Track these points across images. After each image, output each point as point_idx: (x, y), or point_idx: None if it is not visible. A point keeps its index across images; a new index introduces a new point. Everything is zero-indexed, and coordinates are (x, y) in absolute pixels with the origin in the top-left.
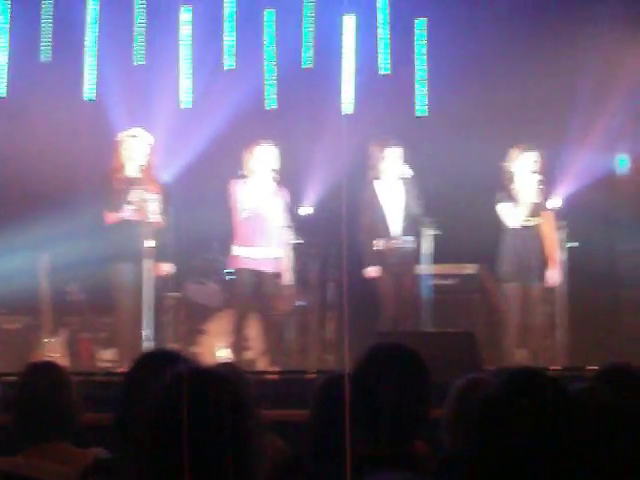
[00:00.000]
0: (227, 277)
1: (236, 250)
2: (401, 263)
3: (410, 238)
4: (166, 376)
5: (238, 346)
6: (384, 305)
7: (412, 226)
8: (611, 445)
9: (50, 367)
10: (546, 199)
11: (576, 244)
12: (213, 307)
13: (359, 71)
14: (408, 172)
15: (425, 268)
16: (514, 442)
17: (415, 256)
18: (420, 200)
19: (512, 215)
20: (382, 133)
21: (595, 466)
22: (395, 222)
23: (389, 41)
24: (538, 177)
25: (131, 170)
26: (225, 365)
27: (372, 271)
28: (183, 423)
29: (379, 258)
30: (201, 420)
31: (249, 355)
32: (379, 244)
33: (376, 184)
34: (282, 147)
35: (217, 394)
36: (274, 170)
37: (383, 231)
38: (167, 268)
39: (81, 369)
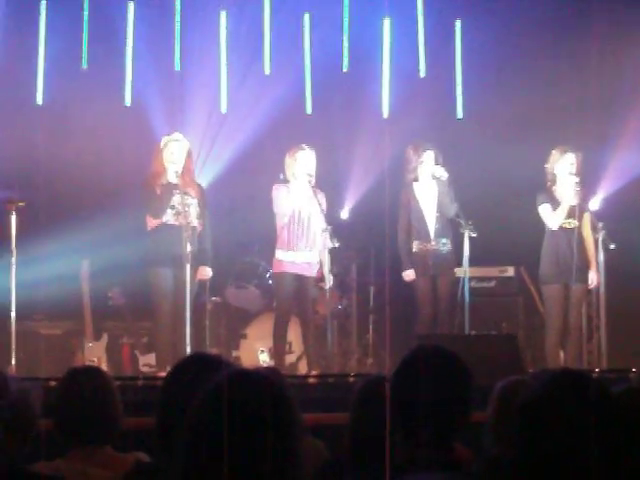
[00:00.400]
0: (269, 281)
1: (279, 254)
2: (438, 265)
3: (446, 240)
4: (210, 379)
5: (279, 350)
6: (421, 308)
7: (449, 228)
8: None
9: (92, 372)
10: (586, 201)
11: (613, 246)
12: (254, 311)
13: (397, 74)
14: (444, 174)
15: (464, 270)
16: (555, 444)
17: (452, 258)
18: (457, 202)
19: (553, 216)
20: (420, 136)
21: (637, 469)
22: (432, 224)
23: (425, 44)
24: (576, 179)
25: (172, 174)
26: (267, 369)
27: (409, 274)
28: (229, 426)
29: (416, 260)
30: (247, 423)
31: (290, 359)
32: (415, 246)
33: (415, 186)
34: (321, 151)
35: (263, 397)
36: (314, 174)
37: (421, 233)
38: (207, 272)
39: (122, 373)
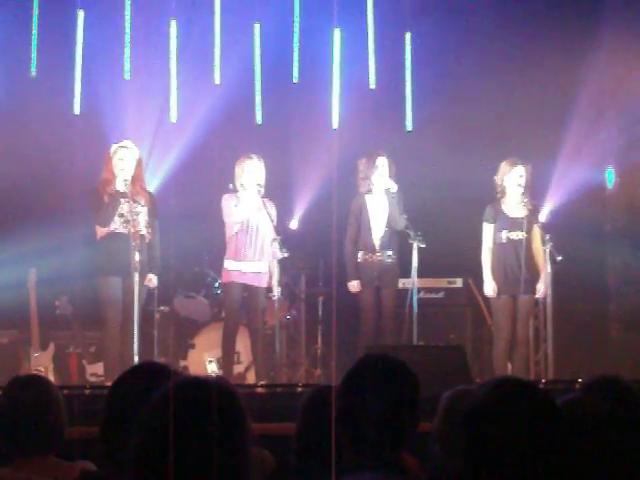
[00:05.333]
0: (217, 291)
1: (227, 264)
2: (382, 276)
3: (391, 252)
4: (160, 387)
5: (227, 360)
6: (364, 319)
7: (395, 240)
8: (599, 456)
9: (34, 380)
10: (534, 213)
11: (560, 258)
12: (202, 321)
13: (347, 85)
14: (394, 186)
15: (412, 281)
16: (499, 452)
17: (396, 270)
18: (406, 214)
19: (487, 240)
20: (369, 147)
21: (583, 477)
22: (379, 236)
23: (375, 55)
24: (525, 191)
25: (121, 183)
26: (216, 378)
27: (354, 285)
28: (179, 432)
29: (360, 271)
30: (196, 430)
31: (238, 369)
32: (361, 256)
33: (367, 197)
34: (270, 161)
35: (213, 405)
36: (263, 184)
37: (366, 244)
38: (155, 281)
39: (69, 383)
